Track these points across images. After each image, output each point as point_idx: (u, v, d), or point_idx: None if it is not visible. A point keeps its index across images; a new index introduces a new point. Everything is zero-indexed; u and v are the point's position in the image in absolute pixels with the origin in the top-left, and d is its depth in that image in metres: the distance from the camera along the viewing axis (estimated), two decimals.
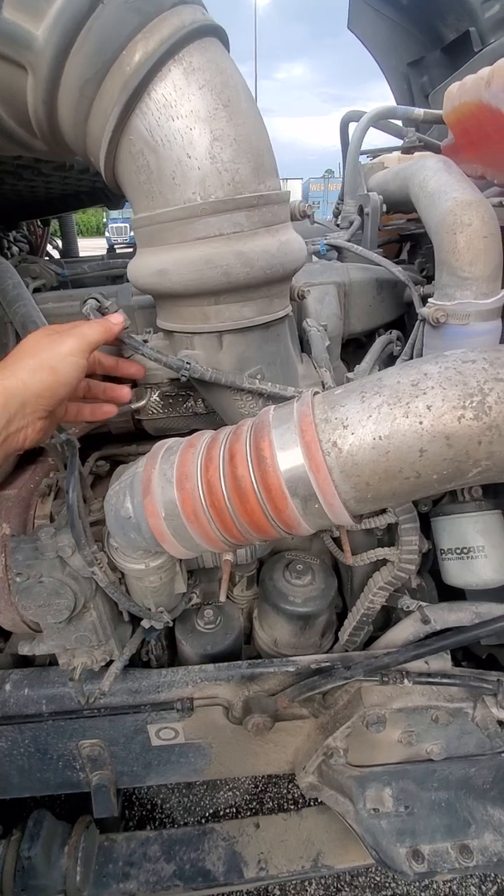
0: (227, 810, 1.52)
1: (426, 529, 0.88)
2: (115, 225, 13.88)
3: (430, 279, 1.02)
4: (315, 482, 0.49)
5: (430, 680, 0.85)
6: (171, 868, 1.04)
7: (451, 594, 0.93)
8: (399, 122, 1.33)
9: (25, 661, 0.93)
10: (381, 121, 1.18)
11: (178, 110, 0.54)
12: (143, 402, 0.83)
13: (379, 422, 0.47)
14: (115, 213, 14.05)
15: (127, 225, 13.45)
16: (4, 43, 0.54)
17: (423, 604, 0.89)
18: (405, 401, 0.46)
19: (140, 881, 1.01)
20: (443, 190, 0.78)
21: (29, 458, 0.91)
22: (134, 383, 0.91)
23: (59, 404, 0.59)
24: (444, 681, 0.86)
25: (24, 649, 0.76)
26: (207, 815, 1.51)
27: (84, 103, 0.55)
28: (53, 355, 0.56)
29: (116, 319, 0.63)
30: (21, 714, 0.84)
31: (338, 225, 1.30)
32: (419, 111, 1.14)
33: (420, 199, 0.84)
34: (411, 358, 0.88)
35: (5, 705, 0.84)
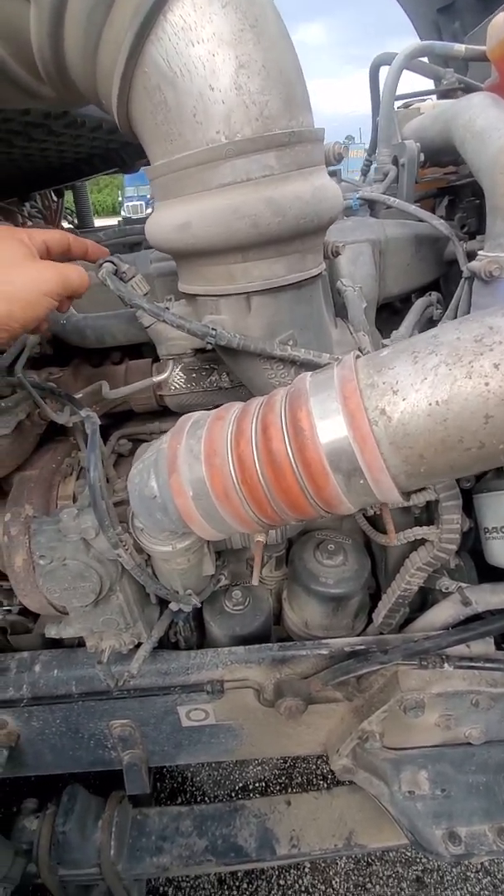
0: (257, 785, 1.53)
1: (467, 506, 0.82)
2: (130, 203, 13.60)
3: (471, 235, 0.93)
4: (360, 455, 0.44)
5: (472, 664, 0.81)
6: (203, 843, 1.04)
7: (490, 574, 0.87)
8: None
9: (54, 642, 0.92)
10: (416, 59, 1.06)
11: (199, 33, 0.47)
12: (165, 375, 0.79)
13: (436, 385, 0.41)
14: (130, 191, 13.77)
15: (143, 203, 13.16)
16: None
17: (463, 585, 0.84)
18: (467, 359, 0.40)
19: (173, 855, 1.02)
20: (494, 126, 0.69)
21: (50, 437, 0.88)
22: (156, 357, 0.86)
23: (10, 338, 0.50)
24: (488, 665, 0.81)
25: (52, 632, 0.74)
26: (237, 788, 1.53)
27: (93, 32, 0.49)
28: (26, 289, 0.48)
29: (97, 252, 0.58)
30: (51, 695, 0.84)
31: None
32: (460, 47, 1.03)
33: (467, 140, 0.75)
34: None
35: (35, 686, 0.83)
